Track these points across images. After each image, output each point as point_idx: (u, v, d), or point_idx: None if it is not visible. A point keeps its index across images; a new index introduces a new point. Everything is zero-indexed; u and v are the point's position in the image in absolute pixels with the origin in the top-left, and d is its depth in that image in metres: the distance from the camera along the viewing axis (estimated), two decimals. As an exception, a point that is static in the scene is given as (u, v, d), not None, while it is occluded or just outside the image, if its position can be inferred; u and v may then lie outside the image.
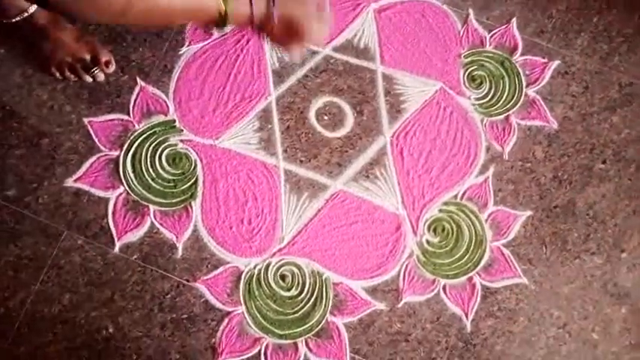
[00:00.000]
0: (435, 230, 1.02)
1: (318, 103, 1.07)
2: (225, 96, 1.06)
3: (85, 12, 0.69)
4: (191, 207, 1.01)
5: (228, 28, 0.90)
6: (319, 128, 1.06)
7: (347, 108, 1.07)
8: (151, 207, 1.00)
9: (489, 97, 1.10)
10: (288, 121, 1.06)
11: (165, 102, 1.06)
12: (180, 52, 1.08)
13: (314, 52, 1.09)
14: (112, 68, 1.06)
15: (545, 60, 1.12)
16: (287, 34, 0.81)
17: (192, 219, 1.00)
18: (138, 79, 1.07)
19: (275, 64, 1.09)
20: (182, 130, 1.04)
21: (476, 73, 1.11)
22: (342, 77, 1.09)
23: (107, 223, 1.00)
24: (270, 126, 1.05)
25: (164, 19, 0.76)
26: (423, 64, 1.10)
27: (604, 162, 1.08)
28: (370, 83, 1.09)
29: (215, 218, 1.00)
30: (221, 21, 0.77)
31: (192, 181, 1.02)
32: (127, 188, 1.01)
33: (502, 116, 1.09)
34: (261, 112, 1.06)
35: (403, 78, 1.09)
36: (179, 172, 1.02)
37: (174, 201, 1.01)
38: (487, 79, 1.11)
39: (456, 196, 1.04)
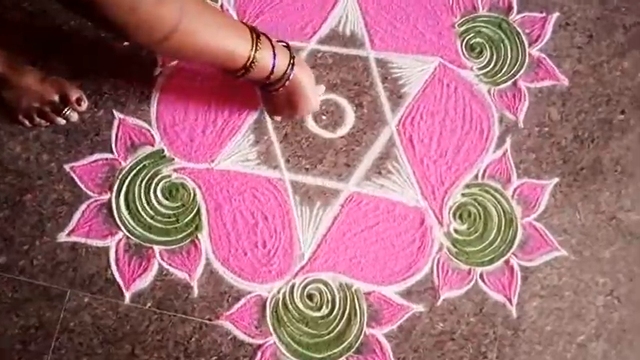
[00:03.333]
0: (461, 217, 0.95)
1: (313, 103, 0.99)
2: (212, 113, 0.98)
3: (134, 28, 0.62)
4: (198, 240, 0.93)
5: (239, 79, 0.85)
6: (319, 130, 0.98)
7: (344, 103, 1.00)
8: (156, 248, 0.93)
9: (492, 64, 1.02)
10: (284, 128, 0.98)
11: (149, 131, 0.97)
12: (155, 74, 1.00)
13: (298, 50, 1.00)
14: (85, 105, 0.97)
15: (543, 14, 1.05)
16: (287, 99, 0.86)
17: (202, 252, 0.92)
18: (115, 112, 0.98)
19: (259, 70, 1.00)
20: (173, 159, 0.96)
21: (474, 41, 1.03)
22: (333, 71, 1.01)
23: (112, 273, 0.92)
24: (266, 137, 0.97)
25: (194, 55, 0.73)
26: (417, 42, 1.02)
27: (622, 112, 1.01)
28: (364, 72, 1.01)
29: (227, 247, 0.93)
30: (242, 70, 0.78)
31: (195, 211, 0.94)
32: (126, 232, 0.93)
33: (509, 82, 1.01)
34: (254, 123, 0.98)
35: (398, 60, 1.01)
36: (178, 204, 0.94)
37: (179, 237, 0.93)
38: (486, 45, 1.03)
39: (476, 177, 0.97)
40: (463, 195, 0.96)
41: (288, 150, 0.97)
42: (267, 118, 0.98)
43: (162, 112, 0.98)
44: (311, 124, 0.98)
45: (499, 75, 1.02)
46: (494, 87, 1.01)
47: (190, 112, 0.98)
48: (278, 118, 0.95)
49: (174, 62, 1.00)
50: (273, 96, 0.86)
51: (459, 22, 1.04)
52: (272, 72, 0.79)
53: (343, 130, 0.98)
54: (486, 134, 0.99)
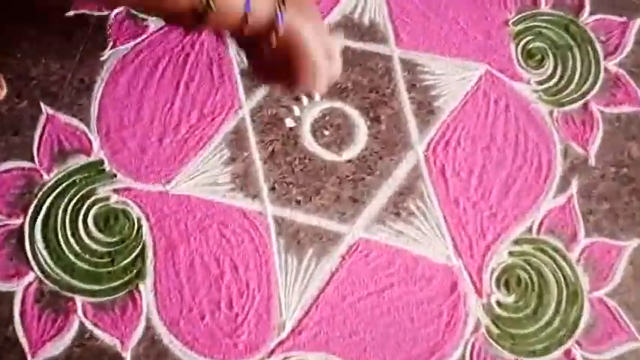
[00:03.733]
0: (507, 285, 0.69)
1: (314, 112, 0.73)
2: (174, 116, 0.71)
3: None
4: (139, 292, 0.66)
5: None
6: (319, 149, 0.72)
7: (355, 115, 0.73)
8: (79, 299, 0.66)
9: (556, 78, 0.77)
10: (272, 143, 0.72)
11: (85, 135, 0.71)
12: (103, 58, 0.73)
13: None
14: (3, 93, 0.71)
15: (624, 18, 0.80)
16: (282, 60, 0.55)
17: (142, 311, 0.66)
18: (42, 105, 0.72)
19: (244, 62, 0.74)
20: (115, 175, 0.69)
21: (533, 45, 0.77)
22: (343, 71, 0.74)
23: (13, 331, 0.65)
24: (246, 154, 0.71)
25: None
26: (457, 40, 0.77)
27: None
28: (385, 75, 0.75)
29: (177, 306, 0.66)
30: (191, 11, 0.49)
31: (138, 251, 0.67)
32: (40, 274, 0.66)
33: (578, 104, 0.76)
34: (231, 133, 0.71)
35: (431, 63, 0.76)
36: (116, 239, 0.68)
37: (112, 286, 0.66)
38: (549, 52, 0.77)
39: (530, 230, 0.71)
40: (511, 254, 0.70)
41: (274, 174, 0.71)
42: (250, 128, 0.72)
43: (107, 110, 0.71)
44: (308, 140, 0.72)
45: (565, 93, 0.76)
46: (558, 108, 0.75)
47: (145, 112, 0.71)
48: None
49: (130, 43, 0.74)
50: (259, 55, 0.57)
51: (515, 19, 0.78)
52: (246, 16, 0.51)
53: (351, 152, 0.72)
54: (545, 172, 0.72)
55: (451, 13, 0.78)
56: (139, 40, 0.74)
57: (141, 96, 0.72)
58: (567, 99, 0.76)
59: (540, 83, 0.76)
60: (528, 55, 0.77)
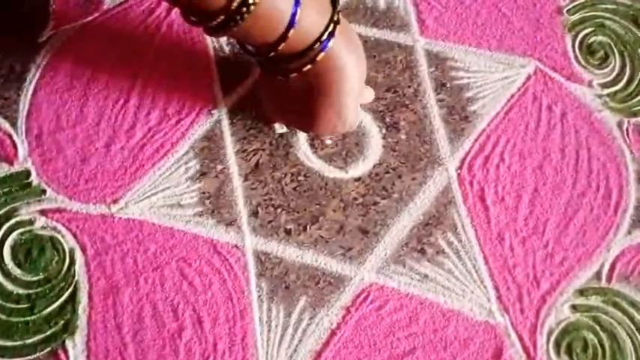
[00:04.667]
0: (569, 351, 0.50)
1: (312, 115, 0.56)
2: (128, 115, 0.54)
3: None
4: (66, 352, 0.48)
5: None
6: (317, 163, 0.54)
7: (367, 120, 0.56)
8: (-20, 360, 0.47)
9: (625, 80, 0.60)
10: (256, 153, 0.54)
11: (9, 137, 0.53)
12: (40, 40, 0.57)
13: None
14: None
15: None
16: (307, 93, 0.46)
17: (67, 379, 0.47)
18: (-44, 97, 0.55)
19: (223, 50, 0.57)
20: (44, 192, 0.52)
21: (594, 39, 0.61)
22: (352, 64, 0.57)
23: None
24: (221, 167, 0.53)
25: None
26: (498, 30, 0.60)
27: None
28: (405, 71, 0.58)
29: (117, 373, 0.47)
30: (222, 17, 0.40)
31: (67, 295, 0.49)
32: None
33: (654, 113, 0.59)
34: (202, 140, 0.54)
35: (465, 57, 0.59)
36: (39, 277, 0.50)
37: (29, 342, 0.48)
38: (614, 49, 0.61)
39: (598, 276, 0.53)
40: (575, 309, 0.52)
41: (257, 193, 0.53)
42: (227, 133, 0.54)
43: (41, 106, 0.54)
44: (303, 150, 0.54)
45: (637, 98, 0.59)
46: (630, 118, 0.58)
47: (90, 110, 0.54)
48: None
49: (78, 22, 0.57)
50: (281, 82, 0.46)
51: (570, 6, 0.62)
52: (288, 31, 0.41)
53: (361, 168, 0.55)
54: (616, 200, 0.55)
55: (490, -3, 0.61)
56: (90, 18, 0.58)
57: (86, 89, 0.55)
58: (639, 106, 0.59)
59: (605, 86, 0.59)
60: (589, 51, 0.60)
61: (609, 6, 0.63)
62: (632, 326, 0.51)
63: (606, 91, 0.59)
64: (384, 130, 0.56)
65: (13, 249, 0.50)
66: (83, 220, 0.51)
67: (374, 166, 0.55)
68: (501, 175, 0.55)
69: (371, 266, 0.51)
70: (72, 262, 0.50)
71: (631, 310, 0.52)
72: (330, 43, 0.42)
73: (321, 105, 0.46)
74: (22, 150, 0.53)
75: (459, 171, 0.55)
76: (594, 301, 0.52)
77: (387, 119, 0.56)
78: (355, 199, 0.54)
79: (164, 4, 0.58)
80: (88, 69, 0.56)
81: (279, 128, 0.55)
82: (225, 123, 0.54)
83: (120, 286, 0.49)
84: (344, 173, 0.54)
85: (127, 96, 0.55)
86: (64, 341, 0.48)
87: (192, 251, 0.50)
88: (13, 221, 0.51)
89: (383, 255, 0.52)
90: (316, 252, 0.52)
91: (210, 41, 0.58)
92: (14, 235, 0.51)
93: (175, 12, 0.58)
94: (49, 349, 0.48)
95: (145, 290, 0.49)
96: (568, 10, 0.62)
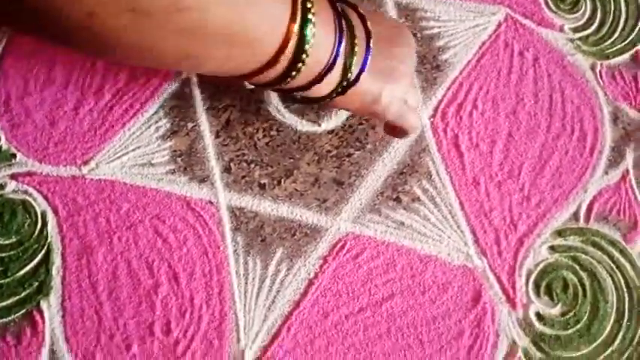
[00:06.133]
0: (549, 292, 0.50)
1: (282, 69, 0.55)
2: (96, 76, 0.54)
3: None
4: (41, 313, 0.47)
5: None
6: (290, 117, 0.54)
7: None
8: (-46, 325, 0.47)
9: (596, 23, 0.59)
10: (226, 110, 0.54)
11: (-23, 104, 0.53)
12: None
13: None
14: None
15: (675, -49, 0.63)
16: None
17: (44, 339, 0.47)
18: None
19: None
20: (13, 156, 0.51)
21: (564, -16, 0.60)
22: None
23: None
24: (191, 124, 0.53)
25: (198, 47, 0.34)
26: (468, -21, 0.59)
27: None
28: (376, 22, 0.57)
29: (94, 331, 0.47)
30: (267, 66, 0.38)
31: (40, 257, 0.49)
32: None
33: (627, 55, 0.58)
34: (172, 99, 0.54)
35: (434, 7, 0.58)
36: (11, 240, 0.49)
37: (4, 304, 0.48)
38: (585, -8, 0.60)
39: (575, 217, 0.52)
40: (553, 250, 0.51)
41: (229, 149, 0.52)
42: (197, 88, 0.54)
43: (8, 71, 0.54)
44: (275, 104, 0.54)
45: (609, 42, 0.59)
46: (602, 61, 0.58)
47: (58, 73, 0.54)
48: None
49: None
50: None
51: (539, -47, 0.61)
52: (327, 70, 0.40)
53: (334, 121, 0.54)
54: (591, 141, 0.55)
55: (458, -53, 0.61)
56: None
57: (53, 52, 0.54)
58: (613, 49, 0.58)
59: (577, 30, 0.58)
60: (559, -5, 0.60)
61: (579, -49, 0.62)
62: (612, 265, 0.51)
63: (578, 35, 0.58)
64: (355, 82, 0.55)
65: (-15, 214, 0.50)
66: (54, 182, 0.50)
67: (347, 119, 0.54)
68: (475, 121, 0.54)
69: (347, 216, 0.51)
70: (44, 224, 0.49)
71: (610, 248, 0.52)
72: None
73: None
74: (-10, 116, 0.52)
75: (432, 119, 0.54)
76: (573, 241, 0.52)
77: (358, 71, 0.56)
78: (329, 151, 0.53)
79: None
80: (54, 33, 0.55)
81: (249, 84, 0.54)
82: (194, 80, 0.54)
83: (93, 246, 0.49)
84: (317, 127, 0.54)
85: (93, 58, 0.54)
86: (38, 302, 0.48)
87: (166, 209, 0.50)
88: (-17, 187, 0.50)
89: (358, 205, 0.51)
90: (291, 205, 0.51)
91: None
92: (-15, 200, 0.50)
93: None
94: (23, 311, 0.47)
95: (119, 249, 0.49)
96: (537, -43, 0.61)
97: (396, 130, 0.48)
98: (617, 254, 0.52)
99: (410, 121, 0.47)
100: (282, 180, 0.52)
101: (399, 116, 0.46)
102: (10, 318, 0.47)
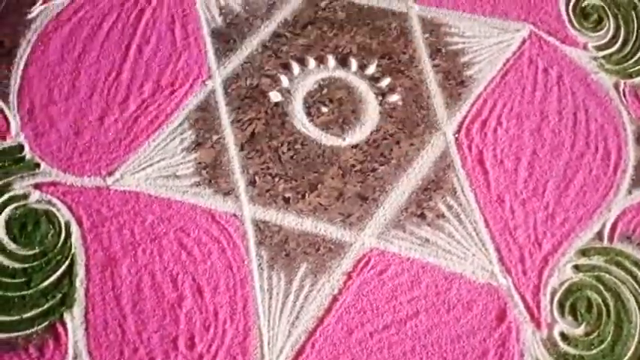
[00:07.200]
0: (574, 311, 0.50)
1: (307, 83, 0.55)
2: (121, 88, 0.54)
3: None
4: (64, 325, 0.47)
5: None
6: (314, 131, 0.54)
7: (363, 87, 0.56)
8: (-22, 335, 0.47)
9: (619, 42, 0.60)
10: (251, 123, 0.54)
11: (2, 112, 0.53)
12: (30, 16, 0.56)
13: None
14: None
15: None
16: None
17: (67, 351, 0.46)
18: (-54, 74, 0.54)
19: (215, 20, 0.57)
20: (37, 165, 0.51)
21: (587, 3, 0.61)
22: (344, 31, 0.57)
23: None
24: (217, 137, 0.53)
25: None
26: (492, -5, 0.60)
27: None
28: (401, 38, 0.58)
29: (117, 344, 0.47)
30: None
31: (64, 268, 0.49)
32: None
33: (650, 74, 0.58)
34: (197, 111, 0.53)
35: (459, 22, 0.58)
36: (35, 251, 0.49)
37: (27, 316, 0.47)
38: (608, 11, 0.61)
39: (599, 236, 0.52)
40: (577, 269, 0.51)
41: (254, 163, 0.52)
42: (222, 103, 0.54)
43: (32, 81, 0.54)
44: (300, 118, 0.54)
45: (632, 60, 0.59)
46: (625, 80, 0.58)
47: (83, 83, 0.54)
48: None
49: (67, -3, 0.56)
50: None
51: (563, -30, 0.62)
52: None
53: (358, 135, 0.54)
54: (615, 160, 0.55)
55: (482, -37, 0.61)
56: (80, -7, 0.57)
57: (78, 63, 0.54)
58: (636, 68, 0.59)
59: (600, 49, 0.59)
60: (583, 14, 0.60)
61: (602, -31, 0.62)
62: (635, 285, 0.51)
63: (601, 53, 0.59)
64: (380, 97, 0.55)
65: (8, 224, 0.50)
66: (78, 192, 0.50)
67: (371, 133, 0.54)
68: (499, 138, 0.54)
69: (371, 232, 0.51)
70: (68, 235, 0.49)
71: (634, 269, 0.52)
72: None
73: None
74: (15, 124, 0.52)
75: (456, 135, 0.54)
76: (597, 260, 0.52)
77: (384, 86, 0.56)
78: (353, 166, 0.53)
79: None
80: (79, 42, 0.55)
81: (275, 97, 0.54)
82: (220, 93, 0.54)
83: (117, 258, 0.49)
84: (341, 141, 0.54)
85: (119, 68, 0.55)
86: (61, 314, 0.47)
87: (190, 221, 0.50)
88: (7, 196, 0.50)
89: (383, 220, 0.51)
90: (315, 219, 0.51)
91: (202, 12, 0.57)
92: (8, 209, 0.50)
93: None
94: (46, 322, 0.47)
95: (144, 261, 0.49)
96: (561, -26, 0.62)
97: None
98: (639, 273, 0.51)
99: None
100: (307, 194, 0.52)
101: None
102: (33, 330, 0.47)
